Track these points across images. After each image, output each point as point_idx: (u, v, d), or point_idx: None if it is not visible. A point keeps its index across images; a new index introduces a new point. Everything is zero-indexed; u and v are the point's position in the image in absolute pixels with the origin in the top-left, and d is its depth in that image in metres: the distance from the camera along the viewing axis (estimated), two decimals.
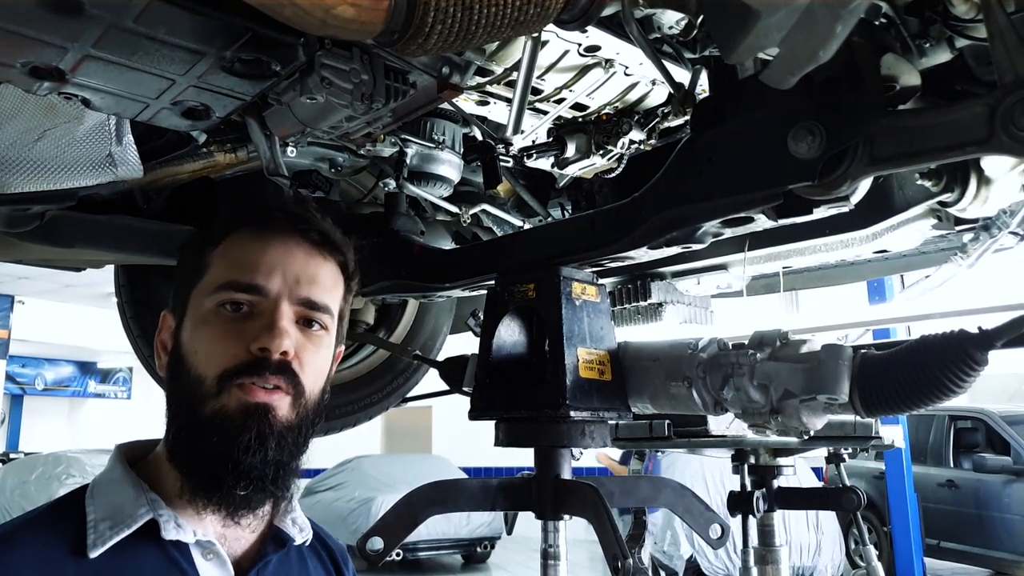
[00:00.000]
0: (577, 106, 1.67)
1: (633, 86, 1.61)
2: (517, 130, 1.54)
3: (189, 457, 0.88)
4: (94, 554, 0.82)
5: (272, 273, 0.92)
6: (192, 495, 0.89)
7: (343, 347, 1.05)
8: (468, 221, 2.12)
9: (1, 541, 0.83)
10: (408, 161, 1.81)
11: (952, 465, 8.26)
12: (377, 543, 1.27)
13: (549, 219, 2.18)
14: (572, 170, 1.83)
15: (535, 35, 1.33)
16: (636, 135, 1.72)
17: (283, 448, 0.89)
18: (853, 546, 8.15)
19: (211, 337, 0.90)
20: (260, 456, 0.87)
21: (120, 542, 0.84)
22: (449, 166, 1.87)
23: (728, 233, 1.33)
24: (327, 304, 0.96)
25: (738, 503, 2.38)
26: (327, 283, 0.97)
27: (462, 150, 1.88)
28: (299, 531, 0.99)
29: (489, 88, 1.55)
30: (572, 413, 1.29)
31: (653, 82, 1.61)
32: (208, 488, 0.88)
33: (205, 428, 0.87)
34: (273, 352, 0.89)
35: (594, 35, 1.36)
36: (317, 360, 0.95)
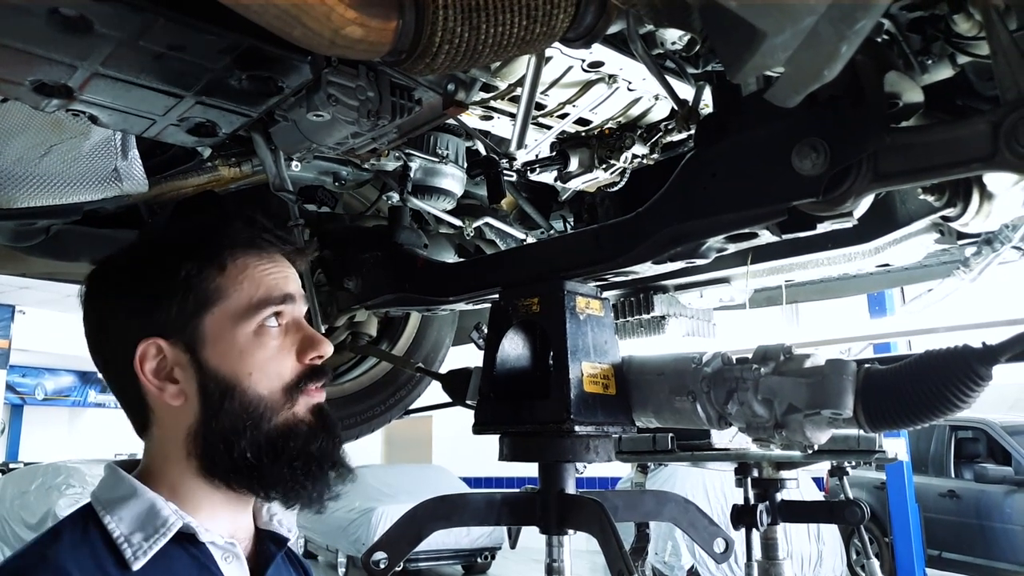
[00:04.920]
0: (580, 121, 1.68)
1: (636, 101, 1.62)
2: (521, 145, 1.55)
3: (277, 466, 0.93)
4: (137, 566, 0.83)
5: (288, 281, 0.99)
6: (286, 497, 0.95)
7: None
8: (471, 234, 2.13)
9: (38, 568, 0.82)
10: (412, 175, 1.82)
11: (953, 475, 8.23)
12: (381, 558, 1.27)
13: (552, 232, 2.19)
14: (575, 184, 1.84)
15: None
16: (639, 149, 1.73)
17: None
18: (855, 557, 8.13)
19: (265, 358, 0.94)
20: (338, 443, 0.99)
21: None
22: (452, 180, 1.88)
23: (732, 248, 1.33)
24: None
25: (741, 516, 2.38)
26: None
27: (466, 164, 1.88)
28: (287, 530, 1.03)
29: (493, 103, 1.56)
30: (577, 428, 1.29)
31: (656, 97, 1.62)
32: (307, 484, 0.95)
33: (286, 437, 0.94)
34: (326, 357, 0.99)
35: (598, 51, 1.37)
36: None
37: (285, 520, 1.03)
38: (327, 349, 0.98)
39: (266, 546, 0.99)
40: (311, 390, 0.97)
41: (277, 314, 0.96)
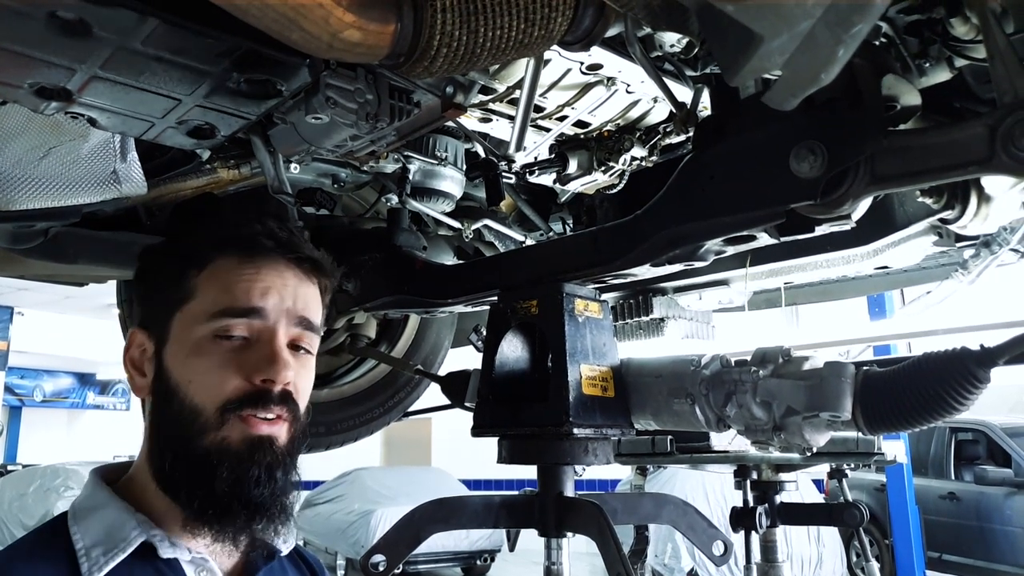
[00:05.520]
0: (579, 123, 1.68)
1: (635, 103, 1.62)
2: (519, 147, 1.55)
3: (192, 489, 0.87)
4: None
5: (268, 295, 0.92)
6: (196, 525, 0.88)
7: None
8: (470, 236, 2.13)
9: None
10: (411, 177, 1.82)
11: (953, 477, 8.23)
12: (380, 560, 1.27)
13: (551, 234, 2.19)
14: (574, 186, 1.84)
15: None
16: (637, 151, 1.73)
17: (287, 474, 0.90)
18: (855, 559, 8.12)
19: (207, 367, 0.88)
20: (270, 488, 0.88)
21: (115, 566, 0.83)
22: (451, 182, 1.88)
23: (730, 251, 1.33)
24: (317, 325, 0.97)
25: (741, 519, 2.38)
26: (316, 305, 0.98)
27: (464, 166, 1.89)
28: (283, 542, 0.99)
29: (492, 106, 1.56)
30: (575, 430, 1.29)
31: (655, 99, 1.62)
32: (215, 520, 0.87)
33: (207, 461, 0.86)
34: (278, 384, 0.89)
35: (596, 54, 1.38)
36: (307, 383, 0.96)
37: (282, 530, 0.98)
38: (281, 375, 0.88)
39: (255, 558, 0.96)
40: (251, 418, 0.88)
41: (237, 325, 0.89)
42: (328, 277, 1.01)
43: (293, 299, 0.94)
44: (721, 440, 2.16)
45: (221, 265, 0.93)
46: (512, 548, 1.65)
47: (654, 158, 1.76)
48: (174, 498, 0.88)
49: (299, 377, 0.93)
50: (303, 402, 0.94)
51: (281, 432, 0.90)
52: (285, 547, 0.99)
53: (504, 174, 1.79)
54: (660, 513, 1.44)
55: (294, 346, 0.94)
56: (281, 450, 0.90)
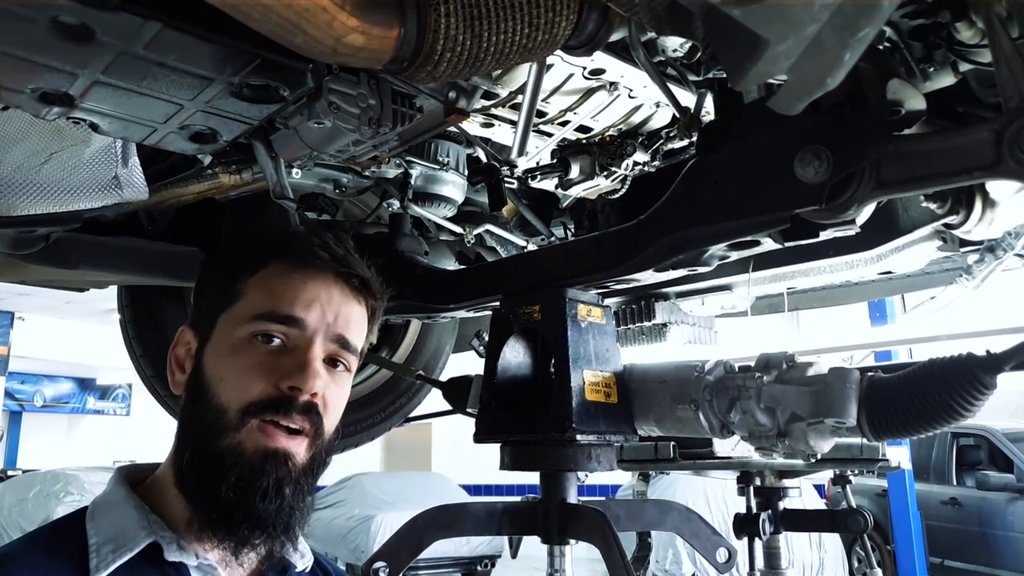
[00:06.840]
0: (581, 128, 1.68)
1: (637, 108, 1.62)
2: (522, 152, 1.55)
3: (200, 489, 0.87)
4: None
5: (311, 307, 0.92)
6: (200, 527, 0.87)
7: None
8: (472, 241, 2.13)
9: (1, 563, 0.82)
10: (412, 182, 1.82)
11: (955, 483, 8.21)
12: (382, 567, 1.26)
13: (553, 239, 2.19)
14: (576, 191, 1.84)
15: None
16: (640, 156, 1.72)
17: (298, 493, 0.89)
18: (856, 565, 8.10)
19: (240, 367, 0.89)
20: (276, 503, 0.86)
21: (122, 565, 0.83)
22: (453, 187, 1.88)
23: (734, 256, 1.33)
24: (356, 346, 0.97)
25: (744, 525, 2.37)
26: (359, 326, 0.98)
27: (466, 171, 1.88)
28: (300, 557, 0.98)
29: (494, 111, 1.56)
30: (578, 436, 1.28)
31: (657, 104, 1.62)
32: (217, 526, 0.87)
33: (220, 463, 0.86)
34: (304, 392, 0.88)
35: (599, 58, 1.37)
36: (339, 400, 0.95)
37: (301, 544, 0.99)
38: (309, 384, 0.88)
39: (267, 573, 0.95)
40: (270, 427, 0.87)
41: (275, 330, 0.90)
42: (377, 299, 1.01)
43: (335, 315, 0.94)
44: (724, 446, 2.15)
45: (272, 271, 0.94)
46: (514, 555, 1.64)
47: (656, 163, 1.76)
48: (187, 497, 0.88)
49: (329, 391, 0.92)
50: (330, 419, 0.93)
51: (300, 449, 0.89)
52: (301, 563, 0.98)
53: (506, 179, 1.79)
54: (664, 520, 1.43)
55: (332, 362, 0.94)
56: (296, 467, 0.88)
